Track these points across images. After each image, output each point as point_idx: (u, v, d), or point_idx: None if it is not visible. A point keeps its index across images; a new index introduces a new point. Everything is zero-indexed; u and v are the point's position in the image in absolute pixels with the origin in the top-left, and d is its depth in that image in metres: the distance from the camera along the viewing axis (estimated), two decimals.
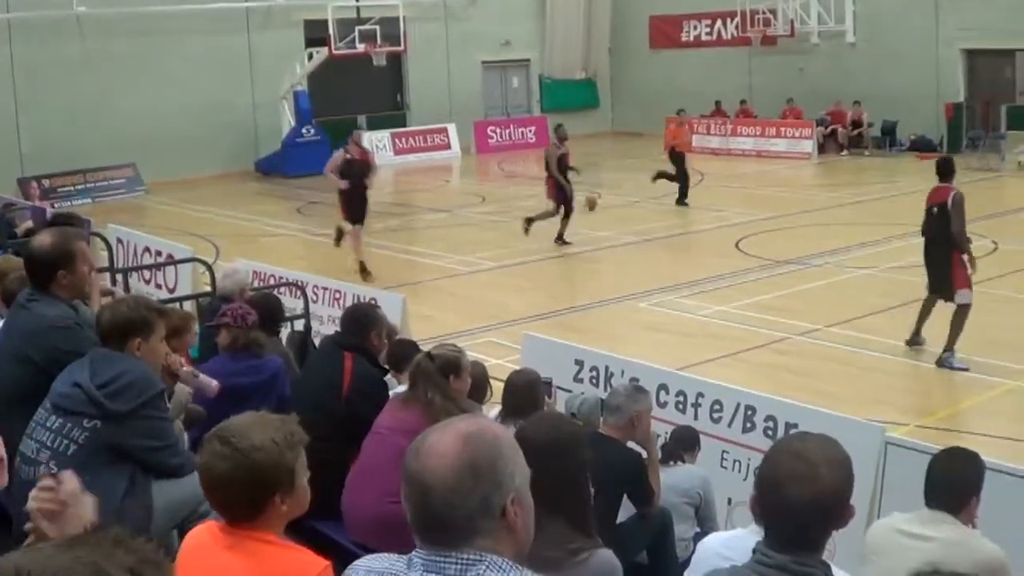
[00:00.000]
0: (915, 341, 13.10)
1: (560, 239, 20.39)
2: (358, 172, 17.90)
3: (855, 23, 35.30)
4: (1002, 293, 15.89)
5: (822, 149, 33.96)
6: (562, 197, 20.25)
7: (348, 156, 17.92)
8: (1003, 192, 27.26)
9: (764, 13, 36.36)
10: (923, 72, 33.79)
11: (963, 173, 28.67)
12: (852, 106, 34.56)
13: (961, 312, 12.42)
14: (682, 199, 25.05)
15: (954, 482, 4.92)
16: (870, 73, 34.45)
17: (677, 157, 25.37)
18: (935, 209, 12.66)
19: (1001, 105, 33.46)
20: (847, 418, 7.30)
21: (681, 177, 25.37)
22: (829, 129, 34.62)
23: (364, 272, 17.73)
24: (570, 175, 20.44)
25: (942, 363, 12.33)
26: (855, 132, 34.50)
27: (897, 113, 34.46)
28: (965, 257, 12.62)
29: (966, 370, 12.26)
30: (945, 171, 12.87)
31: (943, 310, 12.75)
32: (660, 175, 25.43)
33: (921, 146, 33.58)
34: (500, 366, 9.98)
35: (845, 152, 34.31)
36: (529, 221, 20.41)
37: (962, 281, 12.46)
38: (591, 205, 22.59)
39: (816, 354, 13.34)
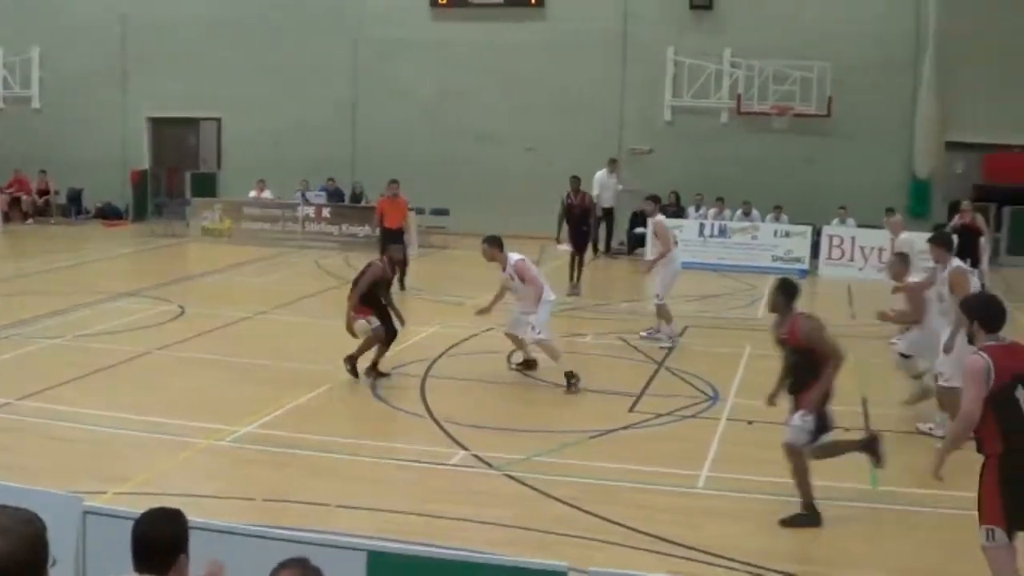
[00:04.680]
0: None
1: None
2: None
3: (41, 89, 34.93)
4: (189, 355, 16.41)
5: (7, 218, 33.00)
6: None
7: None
8: (189, 257, 28.24)
9: None
10: (110, 139, 34.24)
11: (148, 240, 29.51)
12: (38, 175, 34.00)
13: None
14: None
15: (159, 543, 4.97)
16: (57, 140, 34.25)
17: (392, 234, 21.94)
18: None
19: (186, 172, 34.81)
20: (43, 491, 7.08)
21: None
22: (13, 197, 33.78)
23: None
24: None
25: None
26: (42, 200, 33.98)
27: (84, 180, 34.52)
28: None
29: None
30: None
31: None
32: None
33: (108, 213, 33.96)
34: None
35: (31, 220, 33.60)
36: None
37: None
38: None
39: (9, 428, 12.82)
